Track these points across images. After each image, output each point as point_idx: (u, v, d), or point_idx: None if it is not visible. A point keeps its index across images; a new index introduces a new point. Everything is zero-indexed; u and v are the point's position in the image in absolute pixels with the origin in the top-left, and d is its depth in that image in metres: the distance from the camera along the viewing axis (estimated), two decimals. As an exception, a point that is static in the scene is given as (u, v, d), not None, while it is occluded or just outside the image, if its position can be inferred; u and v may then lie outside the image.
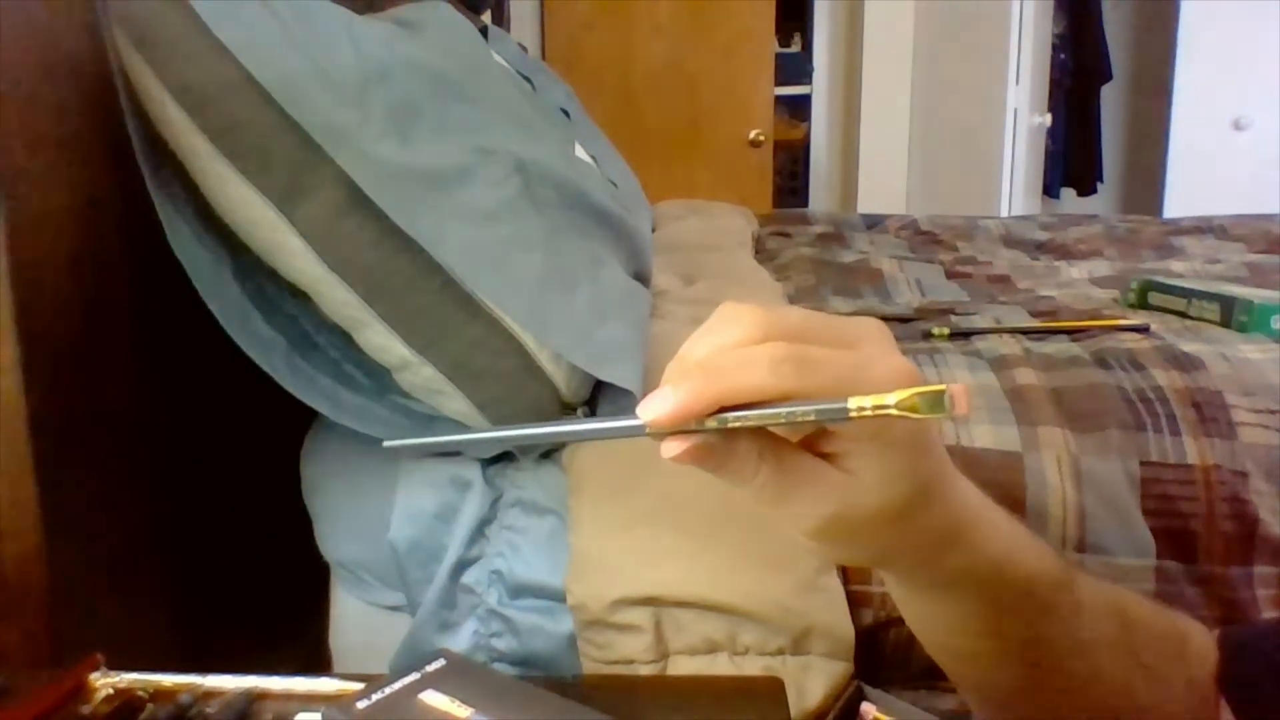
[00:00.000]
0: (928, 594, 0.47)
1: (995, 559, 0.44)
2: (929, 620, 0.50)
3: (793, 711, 0.76)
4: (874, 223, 2.13)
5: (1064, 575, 0.47)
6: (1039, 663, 0.49)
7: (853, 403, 0.34)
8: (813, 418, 0.35)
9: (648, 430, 0.37)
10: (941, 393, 0.34)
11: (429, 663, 0.59)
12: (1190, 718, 0.50)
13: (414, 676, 0.58)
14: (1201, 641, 0.52)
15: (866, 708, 0.57)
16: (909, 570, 0.45)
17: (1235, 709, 0.50)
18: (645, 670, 0.84)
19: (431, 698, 0.56)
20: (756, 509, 0.40)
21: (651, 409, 0.36)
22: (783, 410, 0.35)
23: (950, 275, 1.67)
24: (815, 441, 0.39)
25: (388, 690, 0.56)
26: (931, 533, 0.42)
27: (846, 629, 0.84)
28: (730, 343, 0.37)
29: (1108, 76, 3.78)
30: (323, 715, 0.57)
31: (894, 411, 0.34)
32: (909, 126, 3.32)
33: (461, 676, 0.58)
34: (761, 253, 1.87)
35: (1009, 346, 1.14)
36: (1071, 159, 3.79)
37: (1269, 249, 1.81)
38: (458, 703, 0.55)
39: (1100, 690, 0.49)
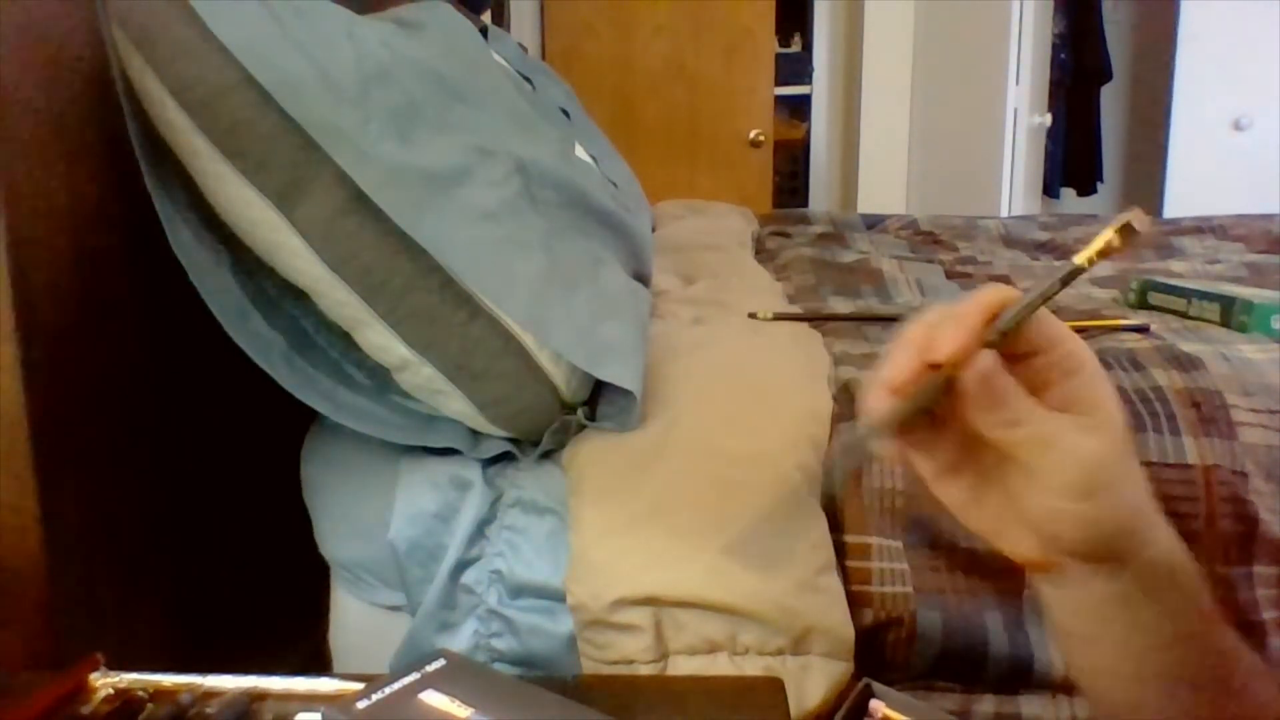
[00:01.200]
0: (1109, 607, 0.46)
1: (1169, 558, 0.45)
2: (1109, 644, 0.48)
3: (793, 711, 0.76)
4: (874, 223, 2.13)
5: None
6: (1219, 681, 0.48)
7: (1079, 259, 0.41)
8: (1058, 287, 0.41)
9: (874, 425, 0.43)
10: (1129, 222, 0.40)
11: (429, 663, 0.59)
12: None
13: (414, 676, 0.58)
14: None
15: (875, 705, 0.57)
16: (1106, 573, 0.45)
17: None
18: (645, 670, 0.84)
19: (431, 698, 0.56)
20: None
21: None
22: (1034, 293, 0.42)
23: (950, 275, 1.67)
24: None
25: (388, 690, 0.56)
26: (1125, 512, 0.44)
27: (846, 629, 0.84)
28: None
29: (1108, 76, 3.78)
30: (323, 715, 0.57)
31: (1115, 239, 0.40)
32: (909, 126, 3.31)
33: (461, 676, 0.58)
34: (761, 253, 1.87)
35: (1009, 346, 1.14)
36: (1071, 159, 3.79)
37: (1269, 249, 1.81)
38: (458, 703, 0.55)
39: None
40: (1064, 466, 0.42)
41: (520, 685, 0.60)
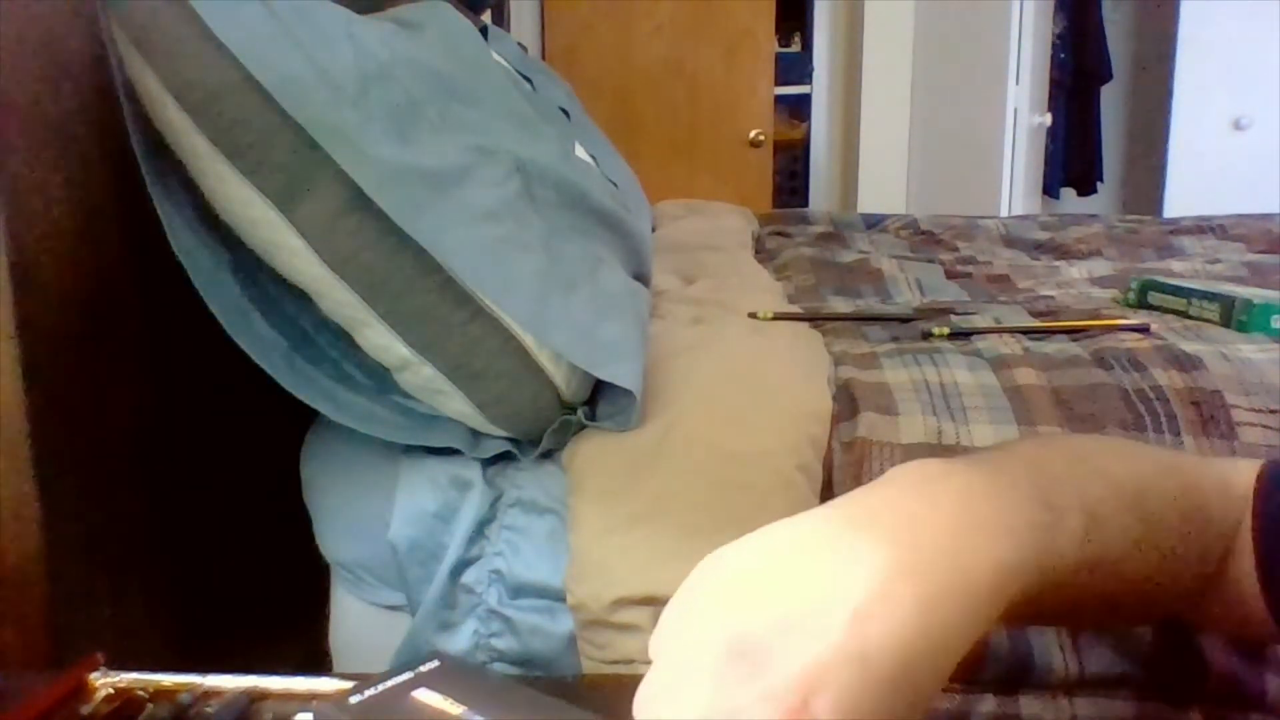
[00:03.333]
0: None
1: (1108, 521, 0.44)
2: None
3: (792, 711, 0.75)
4: (874, 223, 2.13)
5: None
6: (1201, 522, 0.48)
7: None
8: None
9: None
10: None
11: (423, 663, 0.59)
12: (1198, 576, 0.49)
13: (407, 675, 0.58)
14: (1243, 484, 0.51)
15: None
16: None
17: (1261, 546, 0.49)
18: (645, 670, 0.83)
19: (424, 695, 0.56)
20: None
21: None
22: None
23: (950, 275, 1.67)
24: None
25: (380, 688, 0.56)
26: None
27: (846, 629, 0.84)
28: None
29: (1108, 76, 3.78)
30: (315, 712, 0.57)
31: None
32: (909, 126, 3.32)
33: (455, 676, 0.58)
34: (761, 253, 1.87)
35: (1009, 346, 1.14)
36: (1071, 159, 3.79)
37: (1269, 249, 1.81)
38: (450, 701, 0.55)
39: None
40: None
41: (514, 685, 0.60)
